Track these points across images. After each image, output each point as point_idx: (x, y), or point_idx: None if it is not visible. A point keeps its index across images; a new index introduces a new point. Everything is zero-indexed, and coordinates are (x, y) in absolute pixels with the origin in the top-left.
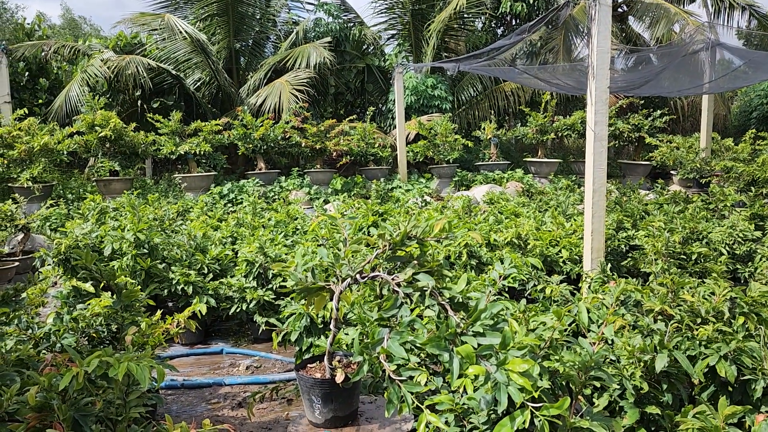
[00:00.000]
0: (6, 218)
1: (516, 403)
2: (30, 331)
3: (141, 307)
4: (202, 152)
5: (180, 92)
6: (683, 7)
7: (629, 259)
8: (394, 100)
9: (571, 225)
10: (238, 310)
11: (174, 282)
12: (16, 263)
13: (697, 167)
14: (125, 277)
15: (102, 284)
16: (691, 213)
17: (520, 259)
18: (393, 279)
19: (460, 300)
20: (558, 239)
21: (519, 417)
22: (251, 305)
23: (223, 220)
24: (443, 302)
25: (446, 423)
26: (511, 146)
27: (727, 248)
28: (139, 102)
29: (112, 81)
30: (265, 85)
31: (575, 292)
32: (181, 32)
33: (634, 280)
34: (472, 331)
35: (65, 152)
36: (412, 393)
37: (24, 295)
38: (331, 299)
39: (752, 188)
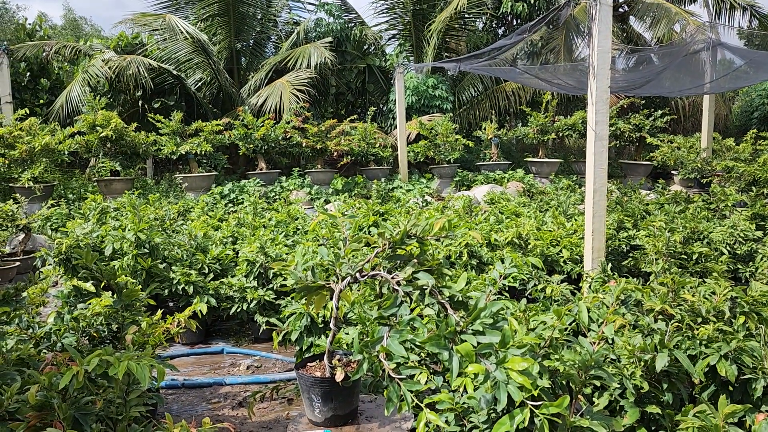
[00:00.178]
0: (7, 218)
1: (515, 401)
2: (31, 330)
3: (141, 306)
4: (203, 152)
5: (181, 92)
6: (684, 7)
7: (630, 258)
8: (395, 100)
9: (572, 225)
10: (238, 310)
11: (175, 282)
12: (18, 263)
13: (698, 167)
14: (126, 276)
15: (103, 284)
16: (692, 213)
17: (521, 259)
18: (393, 277)
19: (460, 299)
20: (559, 239)
21: (518, 415)
22: (252, 305)
23: (224, 220)
24: (443, 301)
25: (446, 422)
26: (512, 146)
27: (728, 248)
28: (140, 102)
29: (113, 81)
30: (266, 85)
31: (576, 291)
32: (182, 32)
33: (635, 279)
34: (472, 330)
35: (66, 152)
36: (411, 391)
37: (25, 294)
38: (331, 298)
39: (753, 188)
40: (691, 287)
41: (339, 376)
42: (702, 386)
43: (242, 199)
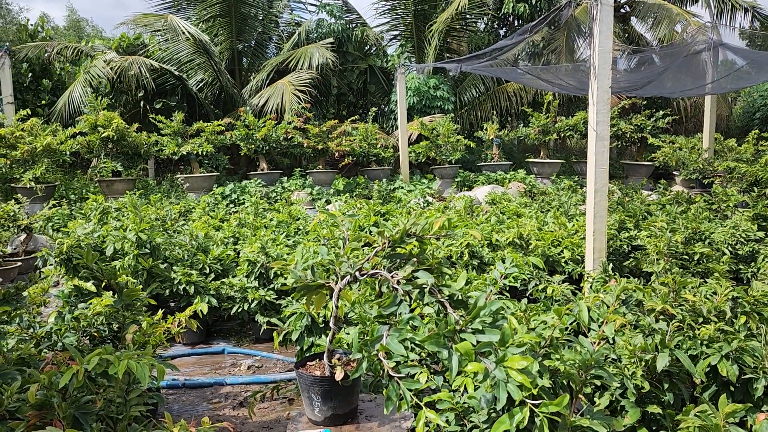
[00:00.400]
0: (9, 218)
1: (515, 400)
2: (31, 329)
3: (142, 306)
4: (204, 153)
5: (182, 93)
6: (686, 8)
7: (631, 259)
8: (397, 101)
9: (573, 225)
10: (239, 310)
11: (176, 282)
12: (19, 263)
13: (700, 168)
14: (127, 276)
15: (103, 283)
16: (693, 213)
17: (522, 259)
18: (392, 276)
19: (460, 297)
20: (560, 239)
21: (518, 414)
22: (253, 305)
23: (225, 221)
24: (442, 300)
25: (446, 421)
26: (513, 147)
27: (729, 248)
28: (142, 103)
29: (115, 82)
30: (268, 85)
31: (577, 291)
32: (183, 33)
33: (636, 280)
34: (471, 329)
35: (68, 153)
36: (411, 390)
37: (26, 294)
38: (331, 297)
39: (755, 189)
40: (692, 287)
41: (339, 375)
42: (703, 386)
43: (243, 199)
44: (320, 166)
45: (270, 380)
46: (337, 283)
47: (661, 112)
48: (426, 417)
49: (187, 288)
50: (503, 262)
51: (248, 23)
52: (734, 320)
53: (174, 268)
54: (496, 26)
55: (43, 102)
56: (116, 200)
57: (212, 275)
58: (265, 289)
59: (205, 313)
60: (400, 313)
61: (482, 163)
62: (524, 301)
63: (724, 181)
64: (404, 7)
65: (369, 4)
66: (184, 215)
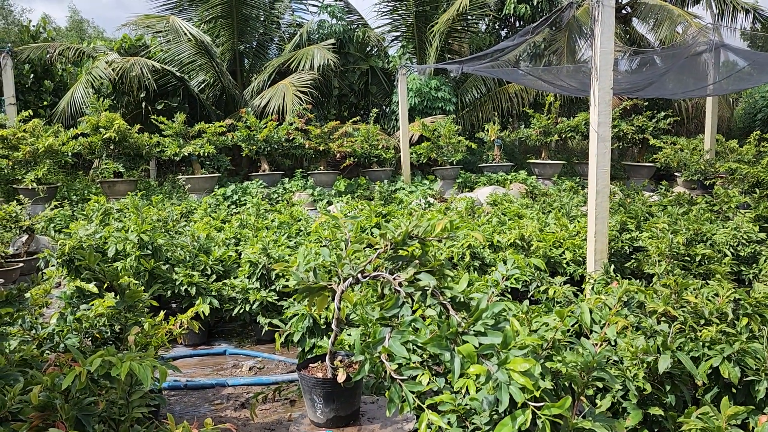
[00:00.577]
0: (10, 219)
1: (517, 402)
2: (33, 331)
3: (144, 307)
4: (206, 154)
5: (184, 94)
6: (687, 9)
7: (633, 260)
8: (398, 102)
9: (575, 226)
10: (241, 311)
11: (177, 283)
12: (21, 264)
13: (702, 169)
14: (129, 277)
15: (105, 285)
16: (695, 214)
17: (524, 261)
18: (395, 278)
19: (462, 299)
20: (561, 240)
21: (520, 416)
22: (254, 306)
23: (227, 222)
24: (444, 302)
25: (448, 423)
26: (514, 148)
27: (731, 250)
28: (144, 104)
29: (117, 83)
30: (269, 86)
31: (579, 293)
32: (185, 34)
33: (638, 281)
34: (474, 331)
35: (70, 154)
36: (413, 392)
37: (28, 295)
38: (333, 299)
39: (757, 190)
40: (694, 289)
41: (341, 377)
42: (705, 388)
43: (245, 200)
44: (322, 167)
45: (272, 381)
46: (339, 284)
47: (663, 114)
48: (428, 419)
49: (189, 289)
50: (505, 263)
51: (250, 24)
52: (736, 322)
53: (176, 269)
54: (497, 27)
55: (45, 103)
56: (118, 201)
57: (214, 276)
58: (267, 291)
59: (206, 314)
60: (403, 315)
61: (483, 164)
62: (526, 302)
63: (726, 182)
64: (405, 8)
65: (370, 5)
66: (185, 216)
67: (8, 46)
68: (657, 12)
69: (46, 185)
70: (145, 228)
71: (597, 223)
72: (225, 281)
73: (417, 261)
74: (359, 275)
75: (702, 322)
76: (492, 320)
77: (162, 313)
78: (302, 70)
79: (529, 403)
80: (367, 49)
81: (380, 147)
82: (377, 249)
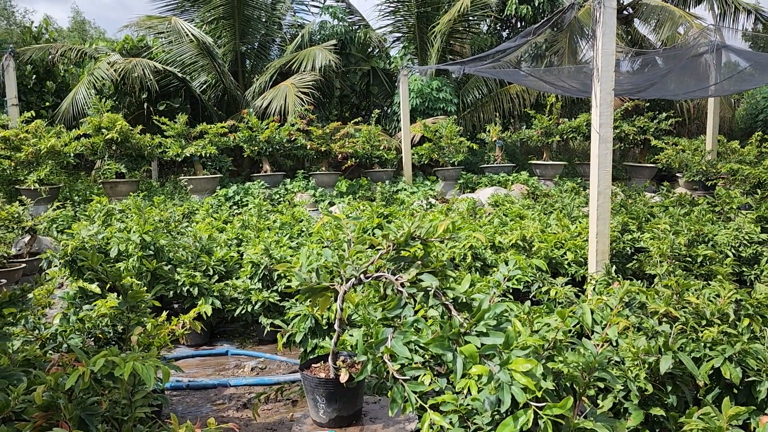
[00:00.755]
0: (13, 220)
1: (519, 402)
2: (36, 331)
3: (147, 308)
4: (207, 155)
5: (186, 95)
6: (689, 10)
7: (634, 261)
8: (399, 103)
9: (576, 227)
10: (243, 312)
11: (179, 283)
12: (23, 265)
13: (703, 170)
14: (131, 278)
15: (108, 285)
16: (696, 215)
17: (525, 261)
18: (397, 279)
19: (464, 300)
20: (563, 241)
21: (522, 416)
22: (256, 307)
23: (229, 222)
24: (447, 302)
25: (451, 423)
26: (516, 149)
27: (732, 251)
28: (146, 104)
29: (119, 84)
30: (271, 87)
31: (580, 294)
32: (187, 35)
33: (639, 282)
34: (476, 331)
35: (72, 154)
36: (415, 392)
37: (31, 295)
38: (336, 300)
39: (758, 191)
40: (695, 290)
41: (343, 377)
42: (706, 389)
43: (247, 201)
44: (323, 168)
45: (274, 382)
46: (341, 285)
47: (664, 114)
48: (431, 419)
49: (191, 290)
50: (506, 264)
51: (251, 25)
52: (737, 323)
53: (178, 269)
54: (498, 28)
55: (47, 104)
56: (120, 202)
57: (216, 277)
58: (269, 291)
59: (209, 314)
60: (405, 316)
61: (485, 165)
62: (527, 303)
63: (728, 183)
64: (407, 9)
65: (372, 6)
66: (187, 217)
67: (11, 47)
68: (658, 13)
69: (49, 186)
70: (147, 228)
71: (598, 223)
72: (227, 282)
73: (419, 262)
74: (362, 276)
75: (703, 322)
76: (494, 321)
77: (164, 314)
78: (304, 71)
79: (531, 403)
80: (369, 50)
81: (382, 148)
82: (379, 250)
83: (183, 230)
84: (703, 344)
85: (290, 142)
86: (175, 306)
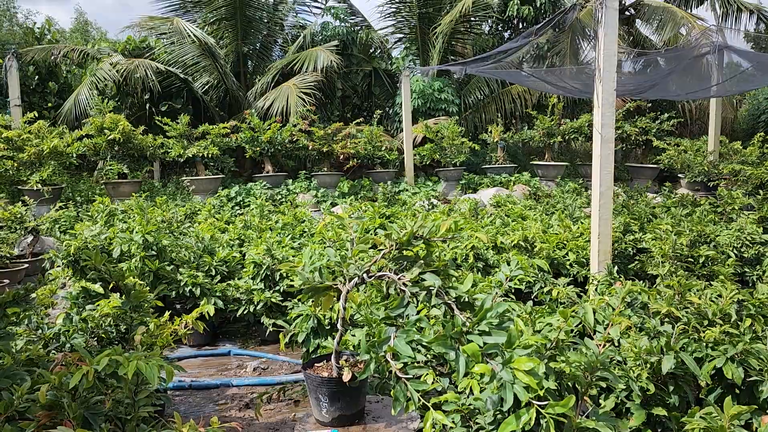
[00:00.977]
0: (16, 220)
1: (521, 401)
2: (40, 331)
3: (149, 308)
4: (209, 155)
5: (188, 95)
6: (691, 10)
7: (636, 261)
8: (401, 104)
9: (578, 228)
10: (245, 312)
11: (182, 283)
12: (26, 265)
13: (705, 170)
14: (134, 278)
15: (111, 285)
16: (698, 216)
17: (527, 262)
18: (400, 278)
19: (466, 300)
20: (565, 242)
21: (524, 415)
22: (258, 307)
23: (231, 223)
24: (449, 302)
25: (453, 422)
26: (518, 149)
27: (735, 251)
28: (148, 105)
29: (121, 84)
30: (273, 88)
31: (582, 294)
32: (189, 36)
33: (641, 282)
34: (478, 330)
35: (74, 155)
36: (418, 391)
37: (34, 295)
38: (338, 299)
39: (760, 191)
40: (697, 290)
41: (346, 376)
42: (708, 389)
43: (249, 201)
44: (325, 169)
45: (276, 382)
46: (344, 285)
47: (666, 115)
48: (433, 418)
49: (194, 290)
50: (508, 264)
51: (253, 26)
52: (739, 323)
53: (180, 270)
54: (500, 29)
55: (50, 104)
56: (122, 202)
57: (218, 277)
58: (271, 291)
59: (211, 314)
60: (408, 315)
61: (487, 166)
62: (529, 303)
63: (730, 183)
64: (409, 10)
65: (374, 7)
66: (189, 217)
67: (13, 48)
68: (660, 13)
69: (51, 186)
70: (149, 229)
71: (600, 224)
72: (229, 282)
73: (422, 261)
74: (364, 275)
75: (705, 323)
76: (496, 320)
77: (167, 314)
78: (305, 72)
79: (533, 402)
80: (371, 50)
81: (384, 148)
82: (382, 249)
83: (185, 230)
84: (705, 344)
85: (292, 142)
86: (178, 306)
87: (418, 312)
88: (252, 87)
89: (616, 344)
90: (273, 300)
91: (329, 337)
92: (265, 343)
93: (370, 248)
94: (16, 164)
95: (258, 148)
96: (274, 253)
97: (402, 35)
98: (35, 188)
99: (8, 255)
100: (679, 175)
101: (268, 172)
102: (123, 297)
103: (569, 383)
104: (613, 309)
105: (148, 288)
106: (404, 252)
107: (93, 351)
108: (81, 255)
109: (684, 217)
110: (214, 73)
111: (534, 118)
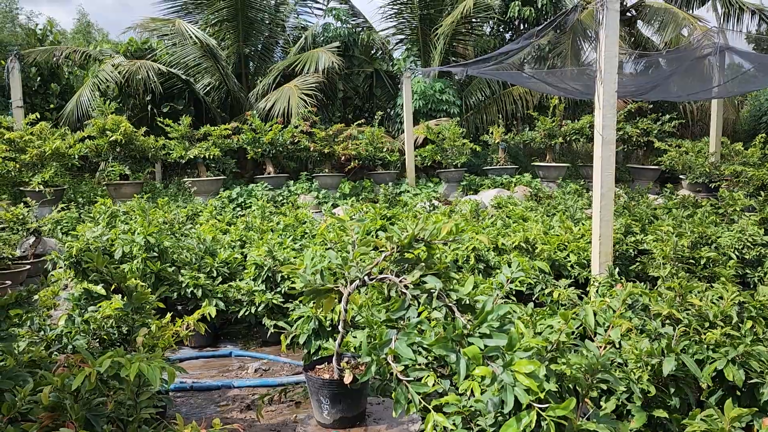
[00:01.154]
0: (18, 221)
1: (522, 404)
2: (42, 332)
3: (151, 309)
4: (211, 156)
5: (190, 97)
6: (692, 11)
7: (638, 263)
8: (402, 105)
9: (579, 229)
10: (246, 313)
11: (183, 285)
12: (28, 266)
13: (707, 172)
14: (135, 279)
15: (113, 287)
16: (700, 217)
17: (528, 263)
18: (401, 281)
19: (467, 302)
20: (566, 243)
21: (525, 417)
22: (260, 308)
23: (232, 224)
24: (450, 304)
25: (454, 425)
26: (519, 150)
27: (736, 253)
28: (150, 106)
29: (123, 86)
30: (274, 89)
31: (583, 296)
32: (191, 37)
33: (643, 284)
34: (479, 333)
35: (76, 156)
36: (419, 393)
37: (36, 297)
38: (340, 301)
39: (762, 193)
40: (698, 292)
41: (347, 378)
42: (709, 391)
43: (250, 203)
44: (326, 170)
45: (277, 383)
46: (345, 287)
47: (668, 116)
48: (434, 420)
49: (195, 291)
50: (509, 266)
51: (255, 27)
52: (741, 325)
53: (182, 271)
54: (501, 30)
55: (52, 106)
56: (124, 203)
57: (220, 278)
58: (272, 293)
59: (212, 316)
60: (409, 317)
61: (488, 167)
62: (530, 305)
63: (731, 185)
64: (410, 11)
65: (375, 8)
66: (191, 219)
67: (15, 50)
68: (662, 15)
69: (53, 187)
70: (151, 230)
71: (602, 226)
72: (231, 283)
73: (423, 264)
74: (366, 277)
75: (706, 325)
76: (497, 322)
77: (168, 315)
78: (307, 73)
79: (534, 404)
80: (372, 52)
81: (385, 149)
82: (383, 252)
83: (187, 232)
84: (706, 346)
85: (293, 143)
86: (179, 307)
87: (419, 314)
88: (253, 88)
89: (617, 346)
90: (274, 301)
91: (330, 339)
92: (267, 345)
93: (371, 250)
94: (18, 165)
95: (259, 150)
96: (276, 255)
97: (403, 36)
98: (37, 189)
99: (10, 256)
100: (681, 177)
101: (269, 174)
102: (125, 298)
103: (570, 385)
104: (614, 311)
105: (149, 289)
106: (405, 254)
107: (95, 353)
108: (83, 256)
109: (685, 218)
110: (215, 74)
111: (535, 119)
